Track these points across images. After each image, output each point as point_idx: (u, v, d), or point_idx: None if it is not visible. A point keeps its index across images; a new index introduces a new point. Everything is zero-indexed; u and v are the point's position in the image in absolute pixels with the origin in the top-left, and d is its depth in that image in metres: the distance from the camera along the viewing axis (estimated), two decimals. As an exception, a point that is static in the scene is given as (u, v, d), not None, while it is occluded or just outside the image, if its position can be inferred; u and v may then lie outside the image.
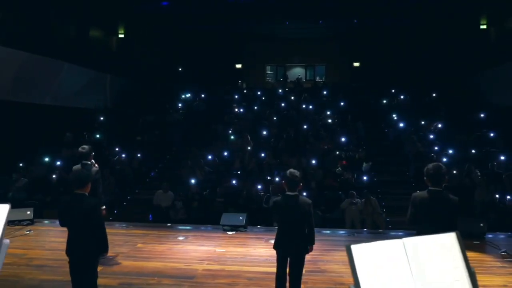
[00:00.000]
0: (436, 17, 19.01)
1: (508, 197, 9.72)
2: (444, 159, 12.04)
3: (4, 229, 1.78)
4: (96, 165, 6.09)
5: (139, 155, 13.92)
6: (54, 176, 11.95)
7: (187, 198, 11.26)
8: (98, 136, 14.80)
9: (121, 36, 19.75)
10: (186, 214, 10.89)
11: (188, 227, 8.58)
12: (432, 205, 4.07)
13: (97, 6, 16.77)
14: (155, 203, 11.11)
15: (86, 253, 4.03)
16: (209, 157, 13.45)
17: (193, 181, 11.91)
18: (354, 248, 1.69)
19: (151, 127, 16.32)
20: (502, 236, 7.81)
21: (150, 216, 11.12)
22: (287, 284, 4.41)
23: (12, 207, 2.56)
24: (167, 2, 18.75)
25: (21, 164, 12.27)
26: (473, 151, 12.79)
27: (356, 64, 23.88)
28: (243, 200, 11.11)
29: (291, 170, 4.46)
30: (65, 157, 13.17)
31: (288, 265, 4.39)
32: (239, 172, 12.68)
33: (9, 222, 4.19)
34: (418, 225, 4.16)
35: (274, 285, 5.00)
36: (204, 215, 10.76)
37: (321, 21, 21.68)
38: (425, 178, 4.23)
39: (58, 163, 12.70)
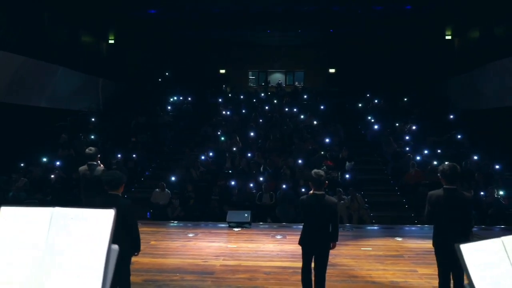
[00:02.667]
0: (406, 28, 19.39)
1: (482, 193, 9.96)
2: (419, 158, 12.30)
3: (111, 235, 1.67)
4: (102, 165, 6.00)
5: (134, 155, 13.61)
6: (52, 176, 11.53)
7: (183, 196, 11.09)
8: (93, 137, 14.39)
9: (111, 41, 19.33)
10: (183, 212, 10.73)
11: (194, 224, 8.44)
12: (447, 202, 4.09)
13: (88, 13, 16.41)
14: (153, 201, 10.91)
15: (122, 252, 3.89)
16: (202, 157, 13.28)
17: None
18: (463, 247, 1.66)
19: (143, 128, 16.00)
20: (476, 229, 7.98)
21: (148, 213, 10.92)
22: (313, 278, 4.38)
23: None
24: (155, 10, 18.46)
25: (22, 165, 11.83)
26: (446, 151, 13.06)
27: (332, 70, 24.13)
28: (237, 198, 11.04)
29: (316, 170, 4.39)
30: (61, 158, 12.79)
31: (313, 260, 4.35)
32: (230, 172, 12.57)
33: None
34: (435, 222, 4.18)
35: (291, 278, 4.99)
36: (200, 212, 10.63)
37: (300, 30, 21.82)
38: (439, 177, 4.23)
39: (58, 163, 12.29)
